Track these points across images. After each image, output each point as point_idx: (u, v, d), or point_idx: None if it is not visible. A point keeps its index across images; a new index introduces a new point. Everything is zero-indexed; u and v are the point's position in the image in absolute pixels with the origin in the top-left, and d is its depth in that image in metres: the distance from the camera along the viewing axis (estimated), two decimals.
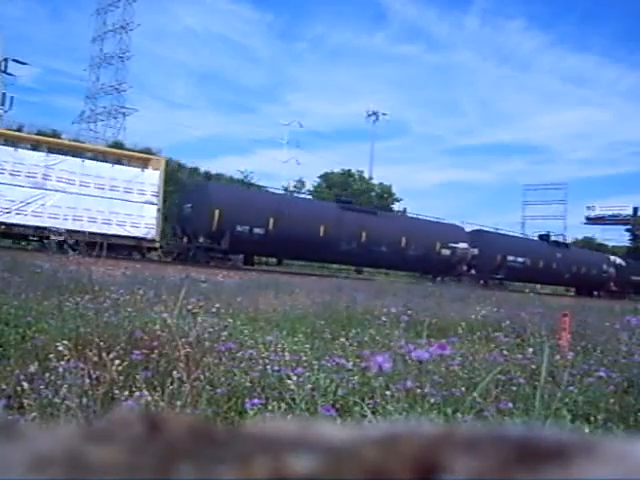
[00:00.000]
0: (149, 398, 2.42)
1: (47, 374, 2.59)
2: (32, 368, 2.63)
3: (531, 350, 3.60)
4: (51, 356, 2.77)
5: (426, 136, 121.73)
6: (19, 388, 2.45)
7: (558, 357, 3.42)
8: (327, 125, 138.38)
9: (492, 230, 33.53)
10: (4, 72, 36.56)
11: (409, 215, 34.42)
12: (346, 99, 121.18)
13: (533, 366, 3.29)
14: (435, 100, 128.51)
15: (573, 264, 34.67)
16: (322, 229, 24.30)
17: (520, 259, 31.59)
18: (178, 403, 2.47)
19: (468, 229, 32.23)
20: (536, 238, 36.30)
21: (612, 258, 39.27)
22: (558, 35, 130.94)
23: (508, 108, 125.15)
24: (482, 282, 22.54)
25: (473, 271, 29.07)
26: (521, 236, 34.98)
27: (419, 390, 1.91)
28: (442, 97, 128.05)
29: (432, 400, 2.12)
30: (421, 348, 1.54)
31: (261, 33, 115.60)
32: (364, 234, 25.67)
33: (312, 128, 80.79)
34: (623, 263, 39.17)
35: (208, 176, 36.21)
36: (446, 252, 28.73)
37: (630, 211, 59.56)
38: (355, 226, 25.48)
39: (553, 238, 36.44)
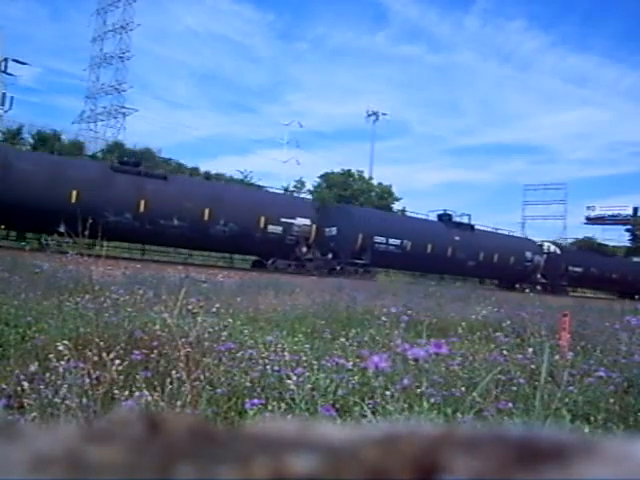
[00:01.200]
0: (149, 398, 2.43)
1: (47, 374, 2.59)
2: (32, 368, 2.63)
3: (531, 350, 3.60)
4: (51, 356, 2.77)
5: (426, 136, 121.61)
6: (19, 388, 2.45)
7: (558, 357, 3.43)
8: (327, 125, 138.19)
9: (356, 206, 27.21)
10: (4, 72, 36.58)
11: (222, 183, 28.41)
12: (346, 99, 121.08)
13: (533, 366, 3.29)
14: (436, 100, 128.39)
15: (480, 250, 28.20)
16: (75, 195, 18.73)
17: (395, 241, 25.15)
18: (178, 403, 2.47)
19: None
20: (433, 218, 29.71)
21: (545, 245, 33.50)
22: (559, 35, 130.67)
23: (509, 108, 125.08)
24: (339, 268, 17.96)
25: (330, 255, 23.35)
26: (402, 215, 27.89)
27: (418, 390, 1.90)
28: (443, 97, 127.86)
29: (432, 400, 2.12)
30: (419, 347, 1.54)
31: (262, 33, 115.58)
32: (143, 203, 20.02)
33: (312, 128, 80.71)
34: (558, 251, 33.43)
35: (207, 176, 36.10)
36: (276, 229, 22.50)
37: (630, 211, 59.52)
38: (130, 193, 19.88)
39: (456, 219, 29.59)
